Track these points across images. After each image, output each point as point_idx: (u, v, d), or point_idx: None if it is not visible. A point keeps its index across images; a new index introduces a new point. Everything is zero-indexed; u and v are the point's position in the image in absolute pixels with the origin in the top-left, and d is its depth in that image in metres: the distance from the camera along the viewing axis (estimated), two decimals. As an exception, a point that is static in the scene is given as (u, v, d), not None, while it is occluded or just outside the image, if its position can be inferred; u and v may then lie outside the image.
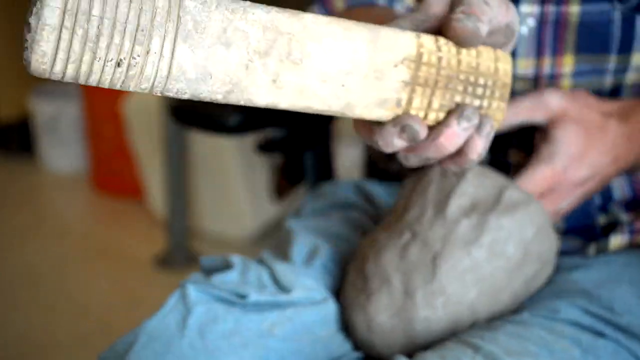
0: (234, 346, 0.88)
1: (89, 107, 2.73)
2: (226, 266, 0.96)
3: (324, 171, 1.31)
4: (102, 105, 2.69)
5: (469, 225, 0.87)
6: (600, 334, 0.90)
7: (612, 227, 1.00)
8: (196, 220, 2.49)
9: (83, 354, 2.05)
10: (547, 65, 0.97)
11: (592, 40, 0.95)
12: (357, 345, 0.92)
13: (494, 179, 0.89)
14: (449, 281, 0.87)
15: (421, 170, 0.91)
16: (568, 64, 0.97)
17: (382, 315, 0.88)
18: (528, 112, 0.88)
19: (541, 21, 0.96)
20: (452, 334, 0.88)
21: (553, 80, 0.97)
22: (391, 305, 0.88)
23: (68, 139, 2.86)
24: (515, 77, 0.97)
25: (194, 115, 1.22)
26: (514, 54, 0.97)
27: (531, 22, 0.96)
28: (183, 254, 2.40)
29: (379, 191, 1.11)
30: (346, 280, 0.93)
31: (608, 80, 0.97)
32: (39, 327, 2.16)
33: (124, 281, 2.35)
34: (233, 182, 2.40)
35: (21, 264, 2.42)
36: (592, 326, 0.90)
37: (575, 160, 0.89)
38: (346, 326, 0.93)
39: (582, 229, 1.00)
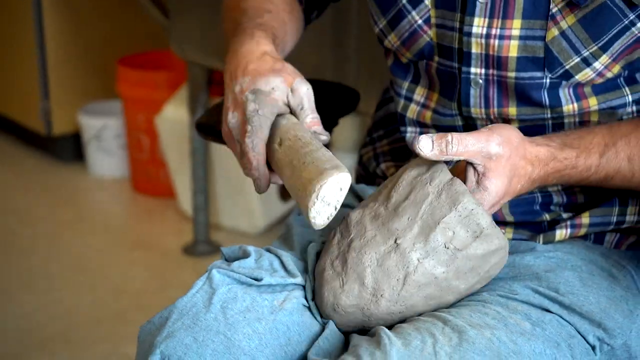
0: (250, 320, 0.88)
1: (128, 122, 2.73)
2: (243, 254, 0.97)
3: None
4: (139, 121, 2.68)
5: (444, 255, 0.85)
6: (547, 310, 0.90)
7: (555, 222, 1.00)
8: (216, 216, 2.48)
9: (122, 328, 2.04)
10: (495, 115, 0.98)
11: (528, 98, 0.96)
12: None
13: (479, 215, 0.85)
14: (411, 296, 0.86)
15: (426, 164, 0.89)
16: (512, 114, 0.97)
17: (348, 305, 0.87)
18: (472, 154, 0.86)
19: (486, 80, 0.96)
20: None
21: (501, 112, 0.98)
22: (358, 300, 0.87)
23: (111, 149, 2.85)
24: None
25: (215, 130, 1.21)
26: (467, 103, 0.98)
27: (480, 81, 0.96)
28: (206, 245, 2.38)
29: (369, 193, 1.11)
30: (327, 253, 0.91)
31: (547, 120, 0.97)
32: (85, 305, 2.15)
33: (156, 267, 2.34)
34: (247, 185, 2.39)
35: (71, 253, 2.41)
36: (540, 304, 0.90)
37: (498, 201, 0.89)
38: (313, 295, 0.93)
39: (530, 223, 1.01)
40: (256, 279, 0.92)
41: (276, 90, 0.93)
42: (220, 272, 0.93)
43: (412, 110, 1.05)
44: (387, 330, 0.85)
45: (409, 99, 1.05)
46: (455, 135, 0.84)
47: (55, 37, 2.84)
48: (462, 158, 0.86)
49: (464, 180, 0.88)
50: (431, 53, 0.99)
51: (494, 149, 0.85)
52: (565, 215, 1.00)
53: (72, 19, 2.86)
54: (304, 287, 0.94)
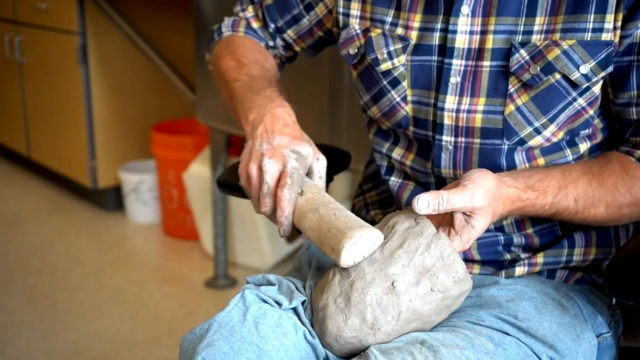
0: (278, 334, 0.88)
1: (161, 178, 2.74)
2: (267, 281, 0.97)
3: None
4: (170, 177, 2.68)
5: (429, 296, 0.86)
6: (507, 334, 0.90)
7: (515, 261, 1.01)
8: (233, 255, 2.47)
9: (155, 350, 2.03)
10: (461, 175, 0.98)
11: (489, 162, 0.97)
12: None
13: (458, 263, 0.86)
14: (401, 330, 0.87)
15: (413, 216, 0.88)
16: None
17: (349, 336, 0.87)
18: (458, 209, 0.86)
19: (455, 147, 0.97)
20: None
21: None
22: (358, 332, 0.86)
23: (147, 200, 2.85)
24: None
25: (232, 186, 1.21)
26: (439, 165, 0.99)
27: (450, 147, 0.98)
28: (225, 279, 2.37)
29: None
30: (328, 291, 0.89)
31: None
32: (124, 331, 2.14)
33: (184, 298, 2.33)
34: (258, 230, 2.39)
35: (113, 287, 2.40)
36: (502, 328, 0.90)
37: (479, 235, 0.90)
38: (312, 318, 0.92)
39: (494, 261, 1.01)
40: (278, 303, 0.92)
41: (309, 157, 0.95)
42: (252, 292, 0.92)
43: (397, 166, 1.06)
44: (374, 349, 0.84)
45: (389, 157, 1.06)
46: (445, 195, 0.84)
47: (101, 106, 2.86)
48: (449, 210, 0.86)
49: (450, 221, 0.88)
50: (407, 124, 1.01)
51: (478, 203, 0.86)
52: (523, 255, 1.00)
53: (115, 92, 2.88)
54: (294, 309, 0.93)
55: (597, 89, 0.93)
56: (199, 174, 2.45)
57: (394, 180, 1.06)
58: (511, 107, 0.93)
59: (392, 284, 0.85)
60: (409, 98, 0.99)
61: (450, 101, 0.96)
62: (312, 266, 1.02)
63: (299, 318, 0.91)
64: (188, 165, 2.51)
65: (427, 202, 0.83)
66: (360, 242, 0.86)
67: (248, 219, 2.38)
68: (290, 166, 0.93)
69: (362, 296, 0.86)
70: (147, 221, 2.86)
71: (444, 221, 0.89)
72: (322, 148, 1.32)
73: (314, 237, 0.90)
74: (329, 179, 1.21)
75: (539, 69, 0.91)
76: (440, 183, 1.02)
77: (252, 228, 2.38)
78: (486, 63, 0.94)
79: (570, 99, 0.93)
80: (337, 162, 1.25)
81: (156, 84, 2.92)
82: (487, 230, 0.99)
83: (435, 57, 0.96)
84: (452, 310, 0.88)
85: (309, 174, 0.97)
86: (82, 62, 2.78)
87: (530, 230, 1.01)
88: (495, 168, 0.96)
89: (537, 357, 0.90)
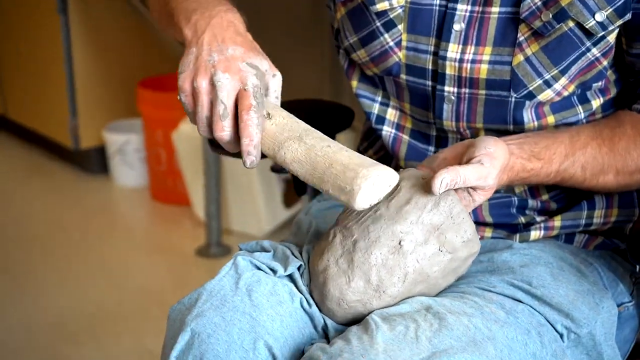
0: (272, 303, 0.88)
1: (148, 138, 2.73)
2: (261, 248, 0.97)
3: None
4: (158, 137, 2.68)
5: (437, 257, 0.86)
6: (520, 301, 0.91)
7: (530, 224, 1.01)
8: (227, 222, 2.48)
9: (144, 323, 2.05)
10: (464, 127, 0.99)
11: (495, 115, 0.97)
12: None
13: (467, 225, 0.87)
14: (407, 292, 0.87)
15: (420, 174, 0.89)
16: (479, 127, 0.98)
17: (353, 300, 0.87)
18: (472, 185, 0.86)
19: (458, 97, 0.97)
20: None
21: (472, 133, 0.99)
22: (362, 295, 0.86)
23: (133, 162, 2.85)
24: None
25: None
26: (441, 116, 0.98)
27: (453, 98, 0.97)
28: (218, 247, 2.38)
29: None
30: (328, 252, 0.89)
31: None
32: (110, 302, 2.16)
33: (174, 268, 2.34)
34: (254, 194, 2.39)
35: (98, 256, 2.41)
36: (514, 295, 0.91)
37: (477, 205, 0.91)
38: (309, 283, 0.92)
39: (507, 225, 1.02)
40: (273, 270, 0.92)
41: (266, 73, 0.90)
42: (245, 259, 0.92)
43: (392, 114, 1.05)
44: (375, 316, 0.85)
45: (386, 104, 1.05)
46: (462, 174, 0.84)
47: (83, 61, 2.85)
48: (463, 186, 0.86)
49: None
50: (398, 71, 1.00)
51: (490, 183, 0.87)
52: (538, 219, 1.01)
53: (98, 46, 2.87)
54: (290, 276, 0.93)
55: (612, 39, 0.93)
56: (189, 133, 2.44)
57: (386, 131, 1.05)
58: (520, 58, 0.93)
59: (399, 243, 0.85)
60: (404, 43, 0.98)
61: (452, 50, 0.95)
62: (310, 232, 1.03)
63: (296, 285, 0.92)
64: (177, 124, 2.51)
65: (446, 184, 0.83)
66: (377, 182, 0.83)
67: (243, 182, 2.38)
68: (251, 83, 0.86)
69: (367, 256, 0.86)
70: (133, 185, 2.87)
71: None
72: (323, 104, 1.33)
73: (304, 171, 0.85)
74: (331, 137, 1.21)
75: (551, 15, 0.91)
76: (442, 136, 1.02)
77: (247, 192, 2.39)
78: (494, 9, 0.93)
79: (583, 49, 0.93)
80: (339, 120, 1.25)
81: (142, 36, 2.90)
82: (497, 191, 1.00)
83: (438, 1, 0.96)
84: (458, 275, 0.89)
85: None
86: (62, 12, 2.76)
87: (545, 197, 1.01)
88: (502, 122, 0.97)
89: (552, 326, 0.91)
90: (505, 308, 0.89)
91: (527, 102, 0.95)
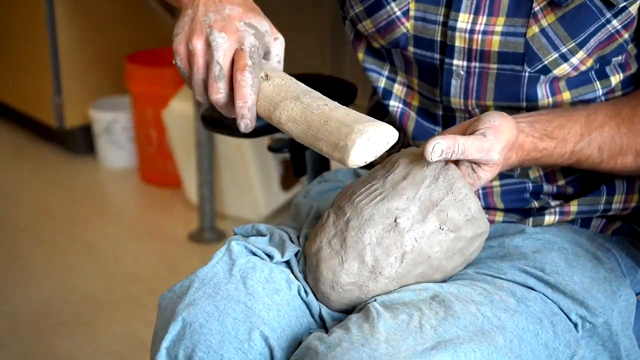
0: (268, 291, 0.88)
1: (137, 116, 2.73)
2: (257, 232, 0.97)
3: (322, 165, 1.30)
4: (147, 115, 2.67)
5: (438, 236, 0.86)
6: (531, 289, 0.91)
7: (544, 209, 1.01)
8: (221, 205, 2.47)
9: (133, 312, 2.06)
10: (473, 106, 0.99)
11: (506, 91, 0.97)
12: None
13: (471, 200, 0.87)
14: (406, 275, 0.87)
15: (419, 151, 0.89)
16: (489, 105, 0.98)
17: (347, 282, 0.87)
18: (473, 157, 0.87)
19: (467, 72, 0.97)
20: None
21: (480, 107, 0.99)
22: (357, 277, 0.86)
23: (121, 142, 2.85)
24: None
25: (220, 123, 1.22)
26: (448, 93, 0.98)
27: (462, 72, 0.97)
28: (211, 232, 2.39)
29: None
30: (322, 233, 0.90)
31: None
32: (98, 290, 2.16)
33: (165, 254, 2.35)
34: (250, 175, 2.39)
35: (85, 241, 2.42)
36: (526, 282, 0.91)
37: (483, 184, 0.90)
38: (304, 269, 0.92)
39: (520, 210, 1.01)
40: (269, 256, 0.92)
41: (266, 34, 0.89)
42: (239, 244, 0.92)
43: (399, 89, 1.05)
44: (376, 304, 0.85)
45: (392, 79, 1.05)
46: (461, 144, 0.84)
47: (67, 35, 2.84)
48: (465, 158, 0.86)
49: (457, 162, 0.88)
50: (406, 43, 0.99)
51: (494, 158, 0.86)
52: (553, 203, 1.01)
53: (83, 18, 2.86)
54: (287, 262, 0.94)
55: (634, 9, 0.92)
56: (180, 111, 2.44)
57: (393, 105, 1.05)
58: (535, 29, 0.93)
59: (395, 221, 0.85)
60: (412, 13, 0.98)
61: (463, 20, 0.95)
62: (310, 214, 1.03)
63: (293, 272, 0.92)
64: (168, 101, 2.51)
65: (440, 151, 0.83)
66: (374, 138, 0.82)
67: (238, 163, 2.38)
68: (248, 43, 0.86)
69: (360, 235, 0.86)
70: (122, 166, 2.87)
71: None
72: (324, 79, 1.32)
73: (299, 130, 0.85)
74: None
75: None
76: (449, 116, 1.02)
77: (242, 173, 2.39)
78: None
79: (603, 20, 0.92)
80: (341, 96, 1.25)
81: (131, 7, 2.89)
82: (508, 176, 1.00)
83: None
84: (466, 257, 0.89)
85: (265, 56, 0.91)
86: (44, -18, 2.75)
87: (562, 182, 1.01)
88: (514, 98, 0.96)
89: (566, 315, 0.91)
90: (516, 296, 0.89)
91: (542, 77, 0.95)
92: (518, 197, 1.01)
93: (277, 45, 0.91)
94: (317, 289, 0.89)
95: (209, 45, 0.86)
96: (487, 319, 0.85)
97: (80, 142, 2.96)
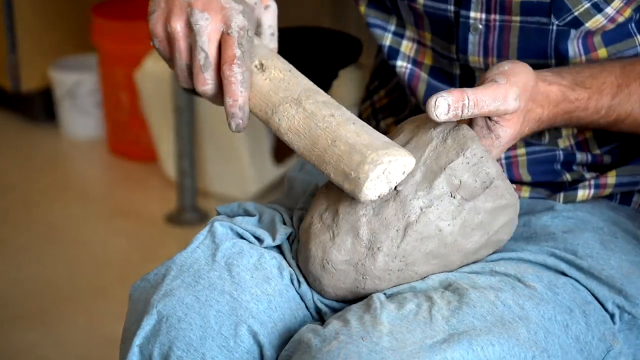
0: (258, 280, 0.88)
1: (105, 78, 2.72)
2: (244, 211, 0.97)
3: None
4: (117, 76, 2.67)
5: (449, 205, 0.85)
6: (561, 274, 0.91)
7: (577, 182, 1.01)
8: (204, 182, 2.48)
9: (103, 304, 2.06)
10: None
11: (532, 47, 0.96)
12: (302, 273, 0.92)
13: (488, 163, 0.86)
14: (412, 252, 0.85)
15: (422, 118, 0.89)
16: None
17: (340, 260, 0.86)
18: (487, 114, 0.86)
19: (486, 26, 0.97)
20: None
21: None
22: (351, 254, 0.86)
23: (87, 108, 2.85)
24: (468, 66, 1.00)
25: None
26: (465, 50, 0.98)
27: (480, 27, 0.97)
28: (192, 213, 2.39)
29: None
30: (314, 208, 0.90)
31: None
32: (62, 280, 2.16)
33: (139, 237, 2.35)
34: (237, 147, 2.39)
35: (46, 222, 2.42)
36: (555, 266, 0.91)
37: (505, 148, 0.90)
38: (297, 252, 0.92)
39: (549, 183, 1.02)
40: (258, 239, 0.92)
41: (256, 7, 0.90)
42: (223, 225, 0.92)
43: (408, 47, 1.05)
44: (381, 295, 0.85)
45: (400, 35, 1.05)
46: (472, 95, 0.83)
47: (23, -17, 2.84)
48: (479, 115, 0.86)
49: (470, 124, 0.88)
50: None
51: (512, 105, 0.85)
52: (588, 175, 1.01)
53: (41, -37, 2.85)
54: (279, 247, 0.94)
55: None
56: (156, 72, 2.43)
57: (401, 66, 1.05)
58: None
59: (395, 188, 0.85)
60: None
61: None
62: (307, 192, 1.03)
63: (285, 258, 0.92)
64: (141, 60, 2.51)
65: (447, 107, 0.82)
66: (389, 169, 0.83)
67: (223, 133, 2.38)
68: (235, 26, 0.86)
69: (353, 206, 0.85)
70: (88, 136, 2.87)
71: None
72: (324, 33, 1.32)
73: (301, 146, 0.86)
74: (333, 75, 1.21)
75: None
76: (467, 76, 1.02)
77: (228, 144, 2.39)
78: None
79: None
80: (343, 53, 1.25)
81: (96, -50, 2.88)
82: (535, 143, 1.00)
83: None
84: (490, 235, 0.87)
85: (257, 29, 0.92)
86: None
87: (597, 152, 1.02)
88: (541, 56, 0.96)
89: (601, 304, 0.92)
90: (542, 282, 0.89)
91: (573, 31, 0.95)
92: (547, 168, 1.01)
93: (269, 16, 0.91)
94: (307, 272, 0.89)
95: (190, 28, 0.87)
96: (508, 307, 0.84)
97: (39, 108, 2.96)
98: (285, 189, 1.11)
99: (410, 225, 0.84)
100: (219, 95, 0.89)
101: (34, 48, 2.90)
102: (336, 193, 0.88)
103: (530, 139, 0.99)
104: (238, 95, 0.87)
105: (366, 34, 1.67)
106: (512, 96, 0.85)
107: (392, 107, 1.13)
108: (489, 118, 0.87)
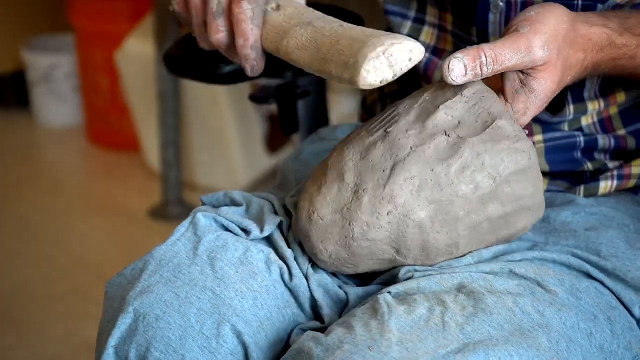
0: (243, 275, 0.89)
1: (83, 60, 2.73)
2: (230, 201, 0.98)
3: (319, 120, 1.29)
4: (97, 58, 2.68)
5: (444, 143, 0.85)
6: (586, 275, 0.91)
7: (600, 172, 1.01)
8: (190, 173, 2.49)
9: (80, 305, 2.07)
10: None
11: None
12: (296, 238, 0.92)
13: (491, 102, 0.86)
14: (401, 192, 0.84)
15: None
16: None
17: (325, 209, 0.87)
18: (512, 68, 0.86)
19: (508, 3, 0.96)
20: (394, 250, 0.87)
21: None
22: (337, 201, 0.86)
23: (63, 92, 2.86)
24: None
25: (187, 64, 1.20)
26: (485, 31, 0.98)
27: (501, 4, 0.96)
28: (177, 207, 2.40)
29: None
30: (312, 175, 0.92)
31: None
32: (36, 279, 2.17)
33: (119, 233, 2.36)
34: (227, 136, 2.40)
35: (18, 217, 2.43)
36: (580, 267, 0.91)
37: (546, 102, 0.89)
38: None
39: (570, 174, 1.01)
40: (245, 231, 0.93)
41: None
42: (206, 216, 0.93)
43: (428, 34, 1.05)
44: (388, 296, 0.85)
45: (421, 21, 1.06)
46: (489, 51, 0.83)
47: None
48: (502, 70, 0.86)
49: (499, 84, 0.87)
50: None
51: (539, 55, 0.84)
52: (611, 165, 1.01)
53: None
54: (269, 239, 0.94)
55: None
56: (138, 53, 2.44)
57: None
58: None
59: (385, 131, 0.86)
60: None
61: None
62: (302, 183, 1.02)
63: (276, 251, 0.92)
64: (122, 40, 2.51)
65: (463, 68, 0.82)
66: (392, 52, 0.83)
67: (212, 119, 2.39)
68: None
69: (341, 153, 0.87)
70: (64, 124, 2.88)
71: (490, 84, 0.88)
72: (324, 9, 1.31)
73: (308, 57, 0.88)
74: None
75: None
76: None
77: (217, 133, 2.40)
78: None
79: None
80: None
81: None
82: (554, 129, 0.99)
83: None
84: (496, 180, 0.85)
85: None
86: None
87: (622, 132, 1.01)
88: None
89: (627, 310, 0.91)
90: (564, 286, 0.89)
91: (600, 7, 0.94)
92: (567, 156, 1.00)
93: None
94: (298, 230, 0.89)
95: None
96: (528, 315, 0.84)
97: (11, 93, 2.97)
98: (278, 181, 1.11)
99: (397, 164, 0.84)
100: (233, 45, 0.93)
101: (5, 27, 2.90)
102: (329, 154, 0.90)
103: (551, 118, 0.98)
104: (249, 33, 0.91)
105: (368, 10, 1.67)
106: (538, 44, 0.84)
107: (402, 95, 1.13)
108: (521, 72, 0.87)
